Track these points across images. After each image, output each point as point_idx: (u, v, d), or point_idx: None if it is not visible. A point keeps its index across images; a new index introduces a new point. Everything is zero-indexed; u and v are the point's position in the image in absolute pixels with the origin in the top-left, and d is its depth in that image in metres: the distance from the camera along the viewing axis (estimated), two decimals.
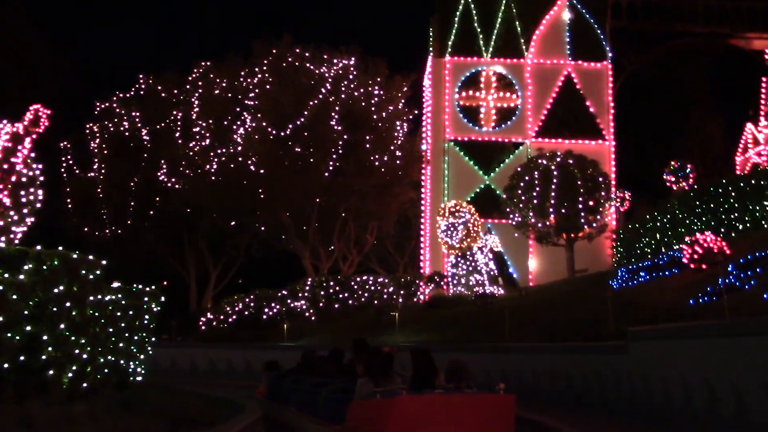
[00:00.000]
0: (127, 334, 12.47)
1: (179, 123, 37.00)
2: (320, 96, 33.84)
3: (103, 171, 38.47)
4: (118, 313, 11.72)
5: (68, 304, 9.63)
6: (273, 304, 32.41)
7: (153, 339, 15.17)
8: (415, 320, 27.04)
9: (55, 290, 9.23)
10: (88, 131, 39.03)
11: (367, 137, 34.39)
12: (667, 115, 42.34)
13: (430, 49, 37.59)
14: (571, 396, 14.58)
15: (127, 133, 38.28)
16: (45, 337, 9.24)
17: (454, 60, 36.90)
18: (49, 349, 9.42)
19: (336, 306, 31.46)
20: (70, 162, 39.22)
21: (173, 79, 38.04)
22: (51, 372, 9.56)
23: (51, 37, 40.32)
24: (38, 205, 16.27)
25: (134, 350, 13.19)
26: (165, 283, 43.60)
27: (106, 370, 11.69)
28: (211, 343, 30.11)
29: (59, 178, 38.92)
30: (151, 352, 15.18)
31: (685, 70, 41.80)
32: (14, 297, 8.77)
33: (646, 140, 41.49)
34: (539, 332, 19.24)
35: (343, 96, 34.54)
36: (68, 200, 38.86)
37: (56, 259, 9.38)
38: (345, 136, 33.78)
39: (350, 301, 31.49)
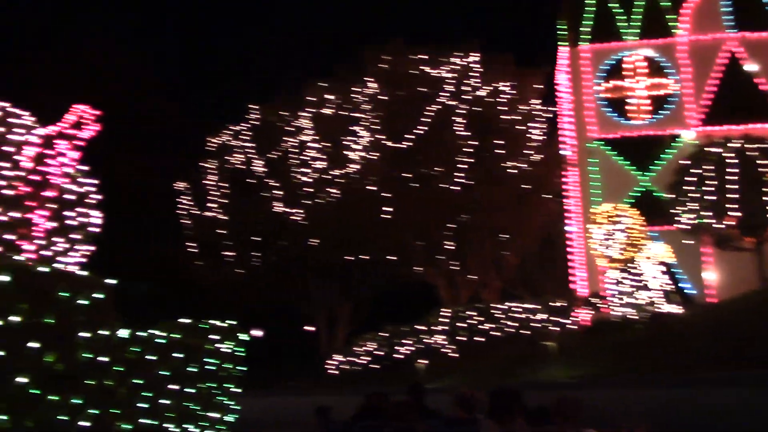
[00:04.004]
0: (176, 386, 8.85)
1: (294, 150, 34.42)
2: (441, 101, 30.04)
3: (221, 210, 36.51)
4: (150, 357, 8.07)
5: (36, 344, 6.06)
6: (407, 341, 28.94)
7: (237, 390, 11.46)
8: (575, 349, 22.55)
9: None
10: (203, 170, 37.26)
11: (498, 142, 30.14)
12: None
13: (563, 38, 32.90)
14: None
15: (241, 167, 36.18)
16: None
17: (592, 47, 31.96)
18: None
19: (479, 339, 27.42)
20: (189, 203, 37.52)
21: (284, 104, 35.61)
22: None
23: (160, 79, 39.52)
24: (95, 229, 13.24)
25: (196, 408, 9.58)
26: (313, 328, 41.04)
27: None
28: (338, 388, 26.70)
29: (179, 221, 37.44)
30: (233, 407, 11.46)
31: None
32: None
33: None
34: (752, 359, 14.49)
35: (466, 98, 30.59)
36: (190, 243, 37.16)
37: (3, 271, 5.89)
38: (472, 144, 29.75)
39: (496, 333, 27.35)
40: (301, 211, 33.81)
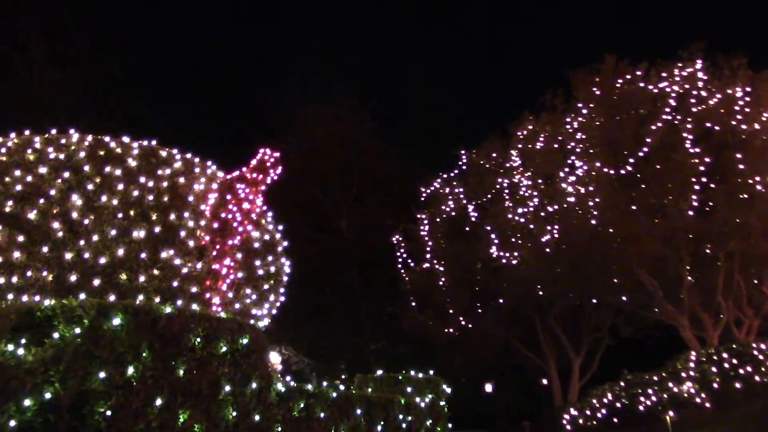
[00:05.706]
0: None
1: (506, 191, 32.87)
2: (665, 118, 26.99)
3: (437, 260, 35.67)
4: (321, 414, 6.79)
5: (160, 402, 4.99)
6: (650, 391, 25.72)
7: None
8: None
9: (102, 374, 4.66)
10: (419, 221, 36.83)
11: (738, 156, 26.39)
12: None
13: None
14: None
15: (454, 213, 35.24)
16: None
17: None
18: None
19: (737, 386, 23.58)
20: (405, 256, 37.18)
21: (493, 145, 34.35)
22: None
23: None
24: (285, 278, 12.55)
25: None
26: (545, 382, 38.84)
27: None
28: None
29: (398, 275, 37.18)
30: None
31: None
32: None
33: None
34: None
35: (694, 111, 27.25)
36: (410, 297, 36.63)
37: (117, 313, 4.89)
38: (707, 161, 26.27)
39: (757, 377, 23.37)
40: (517, 254, 31.95)
